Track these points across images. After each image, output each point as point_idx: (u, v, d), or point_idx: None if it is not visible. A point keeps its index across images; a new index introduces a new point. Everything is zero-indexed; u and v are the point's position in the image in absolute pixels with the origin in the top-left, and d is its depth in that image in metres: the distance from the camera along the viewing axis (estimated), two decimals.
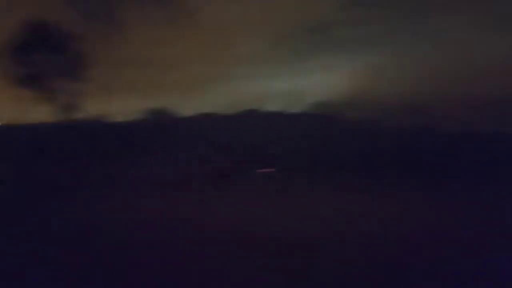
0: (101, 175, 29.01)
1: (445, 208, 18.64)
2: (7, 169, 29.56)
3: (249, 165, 30.53)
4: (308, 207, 20.01)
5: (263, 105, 41.72)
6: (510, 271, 9.32)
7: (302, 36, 51.42)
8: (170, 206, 20.24)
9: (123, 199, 21.40)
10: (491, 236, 13.29)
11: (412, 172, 27.42)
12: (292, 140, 34.53)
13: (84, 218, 16.12)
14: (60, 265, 9.76)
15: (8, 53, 49.67)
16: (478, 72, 40.53)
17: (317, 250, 12.21)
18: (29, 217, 16.82)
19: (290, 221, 16.83)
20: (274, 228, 15.98)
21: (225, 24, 53.78)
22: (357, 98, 43.20)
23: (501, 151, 28.15)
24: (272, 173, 30.18)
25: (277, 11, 52.45)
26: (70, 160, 32.88)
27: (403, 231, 14.56)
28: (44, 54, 44.71)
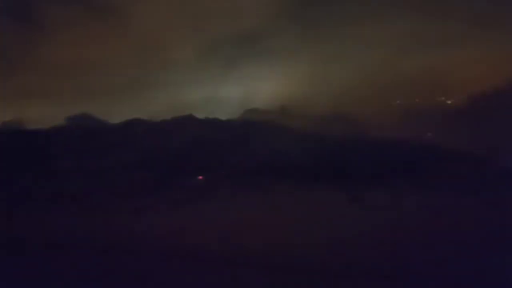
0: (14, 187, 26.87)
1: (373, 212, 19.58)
2: None
3: (180, 173, 30.00)
4: (237, 215, 20.09)
5: (196, 111, 41.02)
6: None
7: (234, 43, 51.44)
8: (96, 218, 19.15)
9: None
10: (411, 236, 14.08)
11: (340, 178, 28.53)
12: (224, 147, 34.45)
13: None
14: None
15: None
16: (406, 81, 43.20)
17: (243, 258, 12.11)
18: None
19: (216, 228, 16.70)
20: (203, 236, 15.73)
21: (155, 28, 52.27)
22: (288, 106, 44.07)
23: (423, 158, 30.07)
24: (204, 181, 29.92)
25: (209, 18, 52.14)
26: None
27: (328, 236, 15.04)
28: None
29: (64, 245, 13.86)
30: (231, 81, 50.08)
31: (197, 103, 45.20)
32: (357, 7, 48.08)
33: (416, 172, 27.71)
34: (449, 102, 43.96)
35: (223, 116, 41.92)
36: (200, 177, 31.22)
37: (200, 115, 41.15)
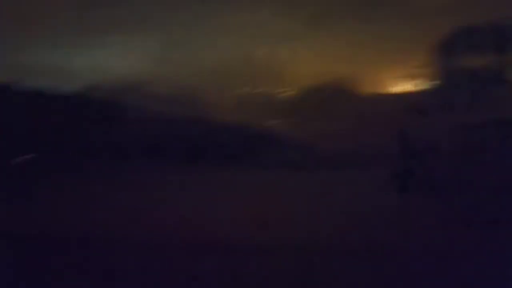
0: None
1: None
2: None
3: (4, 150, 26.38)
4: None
5: (20, 81, 35.38)
6: None
7: (74, 11, 46.67)
8: None
9: None
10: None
11: (181, 159, 29.23)
12: (54, 124, 31.35)
13: None
14: None
15: None
16: (250, 72, 45.77)
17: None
18: None
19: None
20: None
21: None
22: (131, 84, 42.52)
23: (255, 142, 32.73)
24: (32, 159, 27.09)
25: None
26: None
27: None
28: None
29: None
30: (75, 50, 45.39)
31: (24, 71, 39.51)
32: None
33: (249, 156, 30.21)
34: (284, 93, 48.45)
35: (62, 89, 37.13)
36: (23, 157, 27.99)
37: (28, 85, 35.59)
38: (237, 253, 10.06)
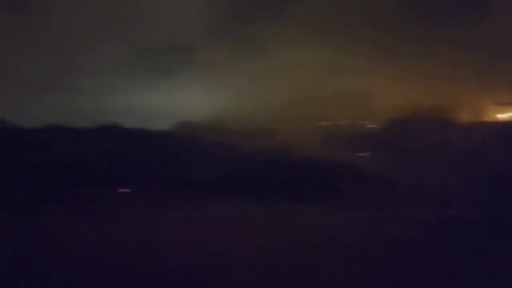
0: None
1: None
2: None
3: (105, 185, 28.78)
4: (160, 229, 19.90)
5: (122, 121, 39.18)
6: None
7: (166, 54, 50.54)
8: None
9: None
10: None
11: (265, 193, 29.40)
12: (152, 159, 33.67)
13: None
14: None
15: None
16: (330, 103, 45.59)
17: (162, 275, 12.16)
18: None
19: (137, 243, 16.45)
20: (123, 251, 15.45)
21: (80, 30, 49.76)
22: (217, 121, 44.34)
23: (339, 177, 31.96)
24: (129, 194, 29.05)
25: (142, 27, 50.79)
26: None
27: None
28: None
29: None
30: (161, 92, 48.97)
31: (123, 112, 43.39)
32: (289, 29, 49.90)
33: (334, 190, 29.43)
34: (369, 126, 47.09)
35: (150, 127, 40.48)
36: (122, 190, 30.23)
37: (125, 124, 39.37)
38: None
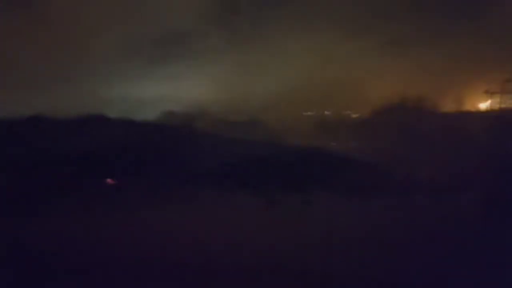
0: None
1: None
2: None
3: (92, 175, 28.29)
4: (147, 220, 19.68)
5: (110, 110, 38.46)
6: None
7: (155, 43, 49.75)
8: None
9: None
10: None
11: (255, 183, 29.28)
12: (139, 149, 33.15)
13: None
14: None
15: None
16: (319, 94, 45.63)
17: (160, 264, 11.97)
18: None
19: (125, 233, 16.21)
20: (112, 242, 15.21)
21: (67, 17, 48.53)
22: (207, 111, 43.90)
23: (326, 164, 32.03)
24: (117, 184, 28.66)
25: (131, 16, 49.81)
26: None
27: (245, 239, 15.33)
28: None
29: None
30: (149, 81, 48.20)
31: (110, 102, 42.58)
32: (283, 18, 49.67)
33: (326, 179, 29.53)
34: (354, 115, 47.36)
35: (137, 117, 39.79)
36: (108, 180, 29.75)
37: (112, 115, 38.62)
38: None
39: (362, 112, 46.32)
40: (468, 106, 43.88)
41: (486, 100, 41.79)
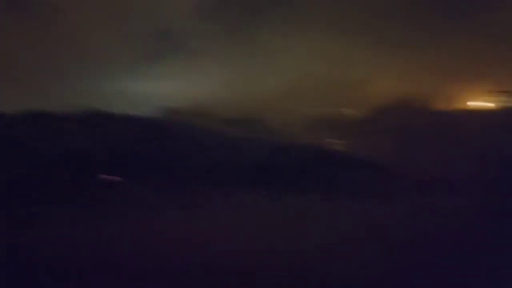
0: None
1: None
2: None
3: (91, 172, 28.16)
4: (149, 219, 19.59)
5: (109, 106, 38.25)
6: None
7: (150, 39, 49.49)
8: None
9: None
10: None
11: (252, 181, 29.21)
12: (138, 146, 33.02)
13: None
14: None
15: None
16: (315, 91, 45.48)
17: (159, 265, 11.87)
18: None
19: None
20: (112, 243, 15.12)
21: (62, 12, 48.25)
22: (203, 107, 43.74)
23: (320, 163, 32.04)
24: (117, 182, 28.51)
25: (126, 12, 49.54)
26: None
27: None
28: None
29: None
30: (146, 77, 47.96)
31: (106, 98, 42.32)
32: (281, 16, 49.44)
33: (324, 178, 29.47)
34: (352, 113, 47.20)
35: (133, 113, 39.51)
36: (105, 177, 29.65)
37: (108, 110, 38.32)
38: None
39: (363, 111, 46.21)
40: (469, 106, 43.82)
41: (487, 99, 41.76)
